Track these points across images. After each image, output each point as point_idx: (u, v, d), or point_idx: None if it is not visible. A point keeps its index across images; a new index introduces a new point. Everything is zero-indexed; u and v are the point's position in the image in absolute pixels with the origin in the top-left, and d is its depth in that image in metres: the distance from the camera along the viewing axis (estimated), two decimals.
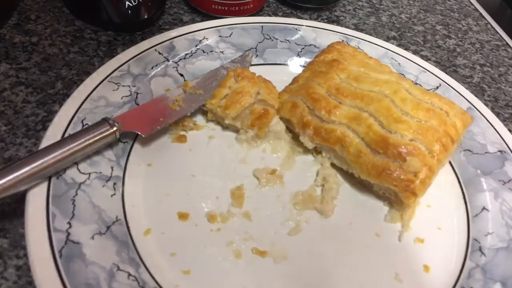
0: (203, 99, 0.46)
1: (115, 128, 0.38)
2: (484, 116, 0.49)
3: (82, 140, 0.36)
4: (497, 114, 0.54)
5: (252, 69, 0.53)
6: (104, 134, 0.38)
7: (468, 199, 0.44)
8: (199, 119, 0.47)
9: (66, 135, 0.38)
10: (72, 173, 0.37)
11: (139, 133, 0.41)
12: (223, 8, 0.59)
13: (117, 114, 0.42)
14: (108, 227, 0.35)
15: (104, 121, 0.38)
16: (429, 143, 0.41)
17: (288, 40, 0.56)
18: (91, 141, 0.37)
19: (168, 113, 0.43)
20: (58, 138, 0.38)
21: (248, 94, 0.45)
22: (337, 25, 0.62)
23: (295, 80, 0.49)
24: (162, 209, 0.39)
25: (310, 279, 0.36)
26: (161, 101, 0.45)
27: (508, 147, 0.46)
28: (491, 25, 0.74)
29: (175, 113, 0.44)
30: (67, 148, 0.35)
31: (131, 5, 0.54)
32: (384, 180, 0.40)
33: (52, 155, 0.34)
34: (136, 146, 0.43)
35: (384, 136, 0.41)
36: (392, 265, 0.38)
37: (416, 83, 0.52)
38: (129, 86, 0.45)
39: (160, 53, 0.49)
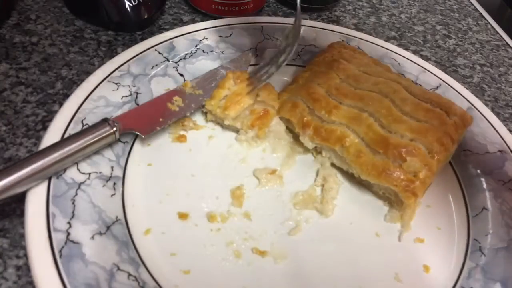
0: (202, 99, 0.46)
1: (114, 129, 0.38)
2: (484, 116, 0.49)
3: (82, 140, 0.36)
4: (497, 114, 0.54)
5: (252, 69, 0.53)
6: (104, 135, 0.38)
7: (468, 199, 0.44)
8: (199, 119, 0.47)
9: (66, 135, 0.38)
10: (72, 173, 0.37)
11: (138, 133, 0.41)
12: (223, 8, 0.59)
13: (117, 114, 0.42)
14: (108, 227, 0.35)
15: (104, 121, 0.38)
16: (429, 143, 0.41)
17: None
18: (91, 141, 0.37)
19: (167, 114, 0.43)
20: (58, 138, 0.38)
21: (247, 95, 0.45)
22: (337, 25, 0.62)
23: (295, 80, 0.49)
24: (162, 209, 0.39)
25: (310, 279, 0.36)
26: (161, 101, 0.45)
27: (508, 147, 0.46)
28: (491, 25, 0.74)
29: (174, 113, 0.44)
30: (67, 148, 0.35)
31: (131, 5, 0.54)
32: (384, 180, 0.39)
33: (53, 156, 0.34)
34: (136, 146, 0.43)
35: (384, 136, 0.41)
36: (392, 265, 0.38)
37: (416, 83, 0.52)
38: (129, 86, 0.45)
39: (160, 53, 0.49)
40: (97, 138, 0.37)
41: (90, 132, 0.37)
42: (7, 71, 0.48)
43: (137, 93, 0.45)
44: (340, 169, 0.44)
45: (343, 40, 0.55)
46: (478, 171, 0.45)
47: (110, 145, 0.40)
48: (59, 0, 0.59)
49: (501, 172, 0.45)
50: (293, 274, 0.36)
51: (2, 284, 0.33)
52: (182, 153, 0.44)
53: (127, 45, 0.54)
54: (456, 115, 0.44)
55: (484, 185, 0.44)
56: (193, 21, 0.61)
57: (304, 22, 0.57)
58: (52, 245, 0.31)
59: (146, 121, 0.42)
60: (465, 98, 0.51)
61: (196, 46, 0.52)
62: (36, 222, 0.32)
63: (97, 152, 0.39)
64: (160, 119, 0.43)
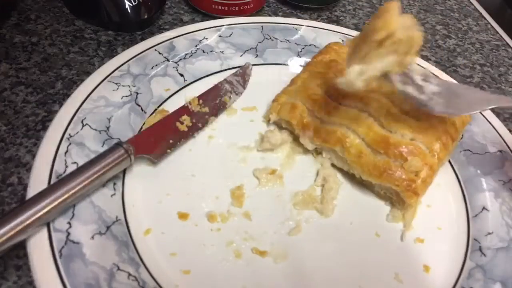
0: (208, 118, 0.46)
1: (132, 157, 0.38)
2: (484, 116, 0.49)
3: (99, 167, 0.35)
4: (497, 114, 0.54)
5: (253, 69, 0.53)
6: (120, 160, 0.37)
7: (468, 199, 0.44)
8: None
9: (66, 135, 0.38)
10: None
11: (151, 158, 0.41)
12: (223, 8, 0.59)
13: (117, 114, 0.42)
14: (108, 227, 0.35)
15: (118, 145, 0.37)
16: (429, 142, 0.41)
17: (288, 40, 0.56)
18: (106, 168, 0.36)
19: (177, 135, 0.43)
20: (58, 138, 0.38)
21: None
22: (337, 25, 0.62)
23: (294, 81, 0.49)
24: (162, 209, 0.39)
25: (310, 279, 0.36)
26: (170, 121, 0.44)
27: (508, 147, 0.46)
28: (491, 25, 0.74)
29: (183, 134, 0.44)
30: (84, 177, 0.34)
31: (131, 5, 0.54)
32: (386, 180, 0.39)
33: (70, 186, 0.33)
34: None
35: (385, 136, 0.41)
36: (392, 265, 0.38)
37: None
38: (129, 86, 0.45)
39: (160, 53, 0.49)
40: (112, 164, 0.36)
41: (105, 158, 0.36)
42: (7, 71, 0.48)
43: (137, 93, 0.45)
44: (340, 169, 0.44)
45: (343, 41, 0.55)
46: (478, 171, 0.45)
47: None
48: (59, 0, 0.59)
49: (501, 172, 0.45)
50: (293, 274, 0.36)
51: (2, 284, 0.33)
52: (182, 153, 0.44)
53: (127, 45, 0.54)
54: None
55: (484, 185, 0.44)
56: (193, 21, 0.61)
57: (304, 22, 0.57)
58: (52, 245, 0.31)
59: (157, 144, 0.42)
60: None
61: (196, 46, 0.52)
62: None
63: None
64: (170, 141, 0.42)
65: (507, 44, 0.70)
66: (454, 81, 0.53)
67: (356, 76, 0.35)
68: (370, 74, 0.35)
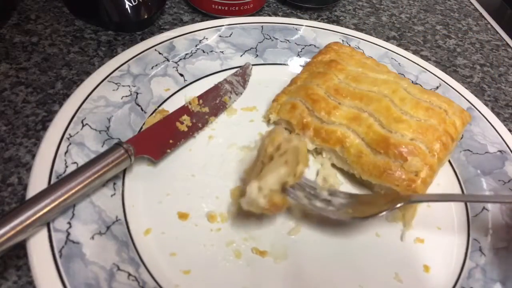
0: (208, 118, 0.46)
1: (132, 158, 0.38)
2: (484, 116, 0.49)
3: (99, 167, 0.35)
4: (497, 114, 0.54)
5: (253, 69, 0.53)
6: (120, 160, 0.37)
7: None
8: None
9: (66, 135, 0.38)
10: None
11: (151, 158, 0.41)
12: (223, 8, 0.59)
13: (116, 114, 0.42)
14: (108, 227, 0.35)
15: (118, 145, 0.37)
16: (429, 142, 0.41)
17: (288, 40, 0.56)
18: (106, 168, 0.36)
19: (177, 135, 0.43)
20: (58, 138, 0.38)
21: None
22: (337, 25, 0.62)
23: (293, 81, 0.49)
24: (162, 209, 0.39)
25: (310, 279, 0.36)
26: (170, 120, 0.44)
27: (508, 147, 0.46)
28: (491, 25, 0.74)
29: (183, 134, 0.44)
30: (84, 177, 0.34)
31: (131, 5, 0.54)
32: (386, 180, 0.40)
33: (71, 185, 0.33)
34: None
35: (385, 136, 0.41)
36: (392, 265, 0.38)
37: (416, 83, 0.52)
38: (129, 86, 0.45)
39: (160, 53, 0.49)
40: (112, 165, 0.36)
41: (105, 158, 0.36)
42: (7, 71, 0.48)
43: (137, 93, 0.45)
44: (340, 169, 0.44)
45: (343, 41, 0.55)
46: (478, 171, 0.45)
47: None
48: (59, 0, 0.59)
49: (501, 172, 0.45)
50: (293, 274, 0.36)
51: (2, 284, 0.33)
52: (182, 153, 0.44)
53: (127, 45, 0.54)
54: (455, 113, 0.44)
55: (484, 185, 0.44)
56: (193, 21, 0.61)
57: (304, 22, 0.57)
58: (52, 245, 0.31)
59: (157, 144, 0.42)
60: (465, 98, 0.51)
61: (196, 46, 0.52)
62: None
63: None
64: (170, 141, 0.42)
65: (507, 44, 0.70)
66: (454, 81, 0.53)
67: (256, 193, 0.34)
68: (268, 188, 0.34)
